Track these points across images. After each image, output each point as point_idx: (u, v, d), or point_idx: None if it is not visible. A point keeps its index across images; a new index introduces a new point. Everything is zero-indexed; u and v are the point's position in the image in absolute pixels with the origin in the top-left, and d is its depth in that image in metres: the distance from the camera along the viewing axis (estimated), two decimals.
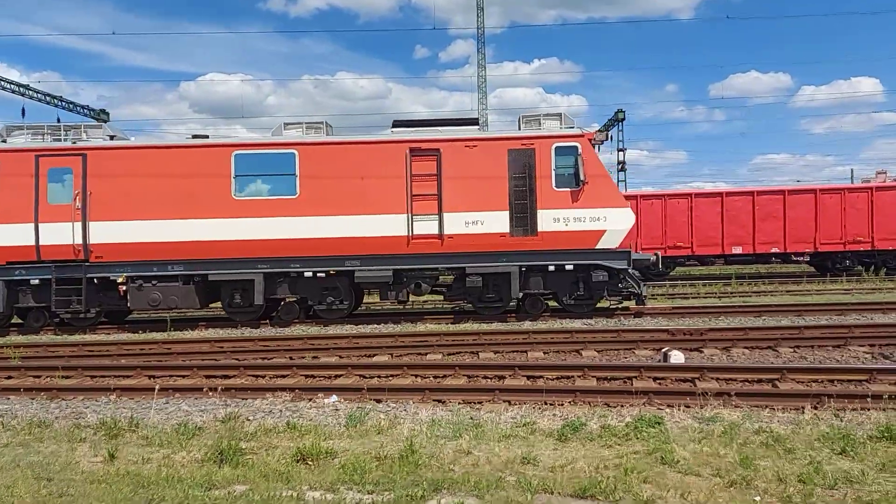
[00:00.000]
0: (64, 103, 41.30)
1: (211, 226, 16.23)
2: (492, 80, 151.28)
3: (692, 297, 22.35)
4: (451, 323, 16.57)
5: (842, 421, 6.91)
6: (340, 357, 12.01)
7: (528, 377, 9.41)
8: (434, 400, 8.26)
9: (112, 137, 16.92)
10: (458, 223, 16.45)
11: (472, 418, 7.37)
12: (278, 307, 17.49)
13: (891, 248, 29.29)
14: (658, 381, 9.25)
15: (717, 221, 29.74)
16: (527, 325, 15.59)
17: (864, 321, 14.19)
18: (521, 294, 16.76)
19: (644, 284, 17.23)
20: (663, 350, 11.08)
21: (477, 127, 17.49)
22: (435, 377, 9.59)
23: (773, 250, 29.97)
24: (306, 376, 10.05)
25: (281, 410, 7.92)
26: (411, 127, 17.35)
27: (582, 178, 16.26)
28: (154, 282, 16.42)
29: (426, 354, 11.95)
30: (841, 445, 6.05)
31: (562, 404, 8.01)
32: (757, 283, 26.95)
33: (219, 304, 17.38)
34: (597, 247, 16.49)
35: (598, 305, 17.44)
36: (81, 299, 16.26)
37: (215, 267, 16.40)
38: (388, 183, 16.45)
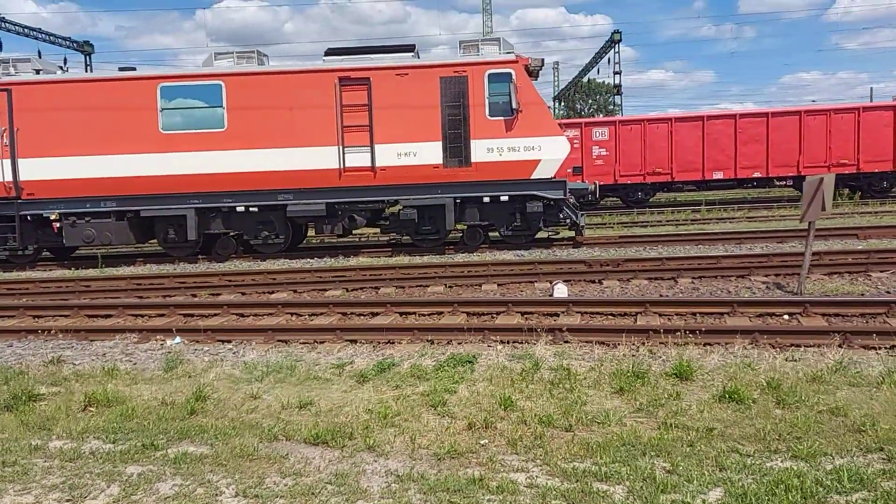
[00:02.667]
0: (44, 35, 40.70)
1: (139, 161, 16.07)
2: (512, 1, 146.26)
3: (651, 226, 21.96)
4: (388, 256, 16.46)
5: (654, 357, 6.73)
6: (243, 294, 12.01)
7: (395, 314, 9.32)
8: (278, 340, 8.21)
9: (38, 72, 16.63)
10: (390, 155, 16.12)
11: (296, 360, 7.32)
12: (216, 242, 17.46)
13: (876, 170, 28.46)
14: (525, 316, 9.11)
15: (698, 146, 29.00)
16: (459, 257, 15.44)
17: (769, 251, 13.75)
18: (455, 226, 16.55)
19: (582, 214, 16.92)
20: (553, 283, 10.90)
21: (411, 54, 16.88)
22: (300, 315, 9.53)
23: (755, 175, 29.26)
24: (185, 315, 10.04)
25: (115, 353, 7.92)
26: (344, 55, 16.82)
27: (515, 106, 15.76)
28: (87, 218, 16.43)
29: (326, 291, 11.91)
30: (622, 384, 5.91)
31: (401, 342, 7.92)
32: (729, 209, 26.41)
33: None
34: (532, 177, 16.12)
35: (539, 236, 17.20)
36: (16, 236, 16.33)
37: (147, 203, 16.34)
38: (318, 114, 16.08)
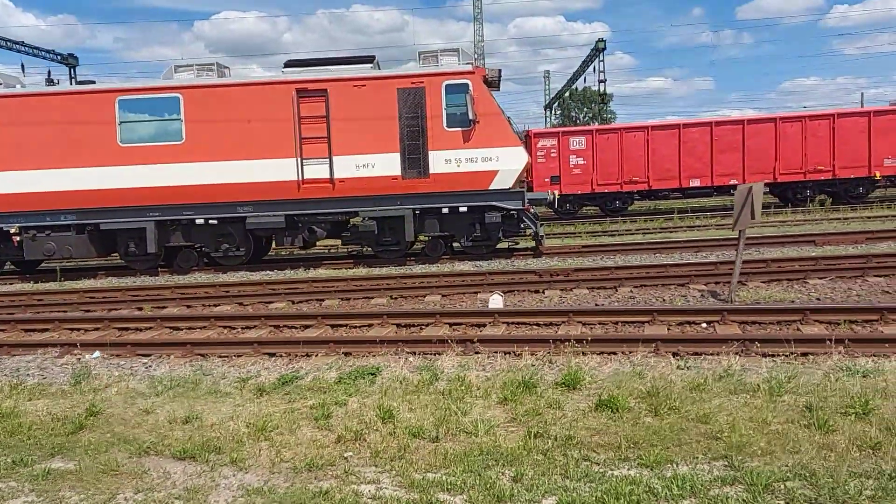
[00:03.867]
0: (27, 48, 40.91)
1: (98, 174, 16.15)
2: (511, 10, 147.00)
3: (619, 235, 22.01)
4: (349, 268, 16.51)
5: (552, 367, 6.77)
6: (188, 307, 12.06)
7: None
8: (197, 354, 8.26)
9: None
10: (348, 166, 16.19)
11: (205, 374, 7.37)
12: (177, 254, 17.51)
13: (852, 176, 28.55)
14: (453, 327, 9.16)
15: (675, 154, 29.15)
16: (418, 269, 15.49)
17: (718, 259, 13.78)
18: (416, 237, 16.62)
19: (541, 224, 16.98)
20: (490, 294, 10.95)
21: (370, 65, 16.98)
22: (232, 329, 9.58)
23: (732, 182, 29.31)
24: (119, 329, 10.08)
25: (31, 368, 7.96)
26: (303, 66, 16.94)
27: (472, 116, 15.83)
28: (47, 232, 16.50)
29: (270, 303, 11.96)
30: (508, 394, 5.95)
31: (317, 355, 7.96)
32: (704, 217, 26.49)
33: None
34: (490, 187, 16.18)
35: (501, 246, 17.26)
36: None
37: (107, 216, 16.40)
38: (276, 126, 16.15)
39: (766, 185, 29.57)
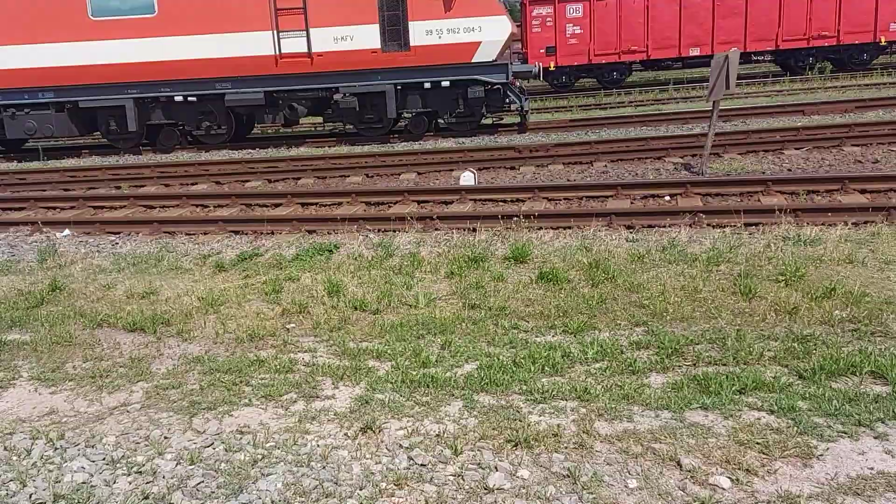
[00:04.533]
0: None
1: (71, 49, 15.76)
2: None
3: (611, 108, 21.62)
4: (331, 146, 16.41)
5: (505, 242, 6.89)
6: (167, 185, 12.13)
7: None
8: (164, 232, 8.40)
9: None
10: (326, 39, 15.70)
11: (169, 251, 7.53)
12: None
13: (857, 41, 27.57)
14: (420, 205, 9.23)
15: (675, 21, 28.03)
16: (399, 146, 15.39)
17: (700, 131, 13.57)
18: (399, 114, 16.37)
19: (526, 98, 16.66)
20: (461, 171, 10.93)
21: None
22: (204, 206, 9.68)
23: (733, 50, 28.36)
24: (94, 207, 10.20)
25: (5, 245, 8.13)
26: None
27: None
28: (26, 110, 16.32)
29: (246, 182, 12.00)
30: (456, 268, 6.10)
31: (280, 233, 8.09)
32: (701, 88, 25.87)
33: None
34: (473, 60, 15.73)
35: (485, 122, 17.03)
36: None
37: (85, 93, 16.15)
38: None
39: (768, 52, 28.74)
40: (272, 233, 8.15)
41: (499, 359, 4.37)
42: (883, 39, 27.42)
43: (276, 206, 9.64)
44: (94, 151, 17.31)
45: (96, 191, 11.88)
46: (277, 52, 15.74)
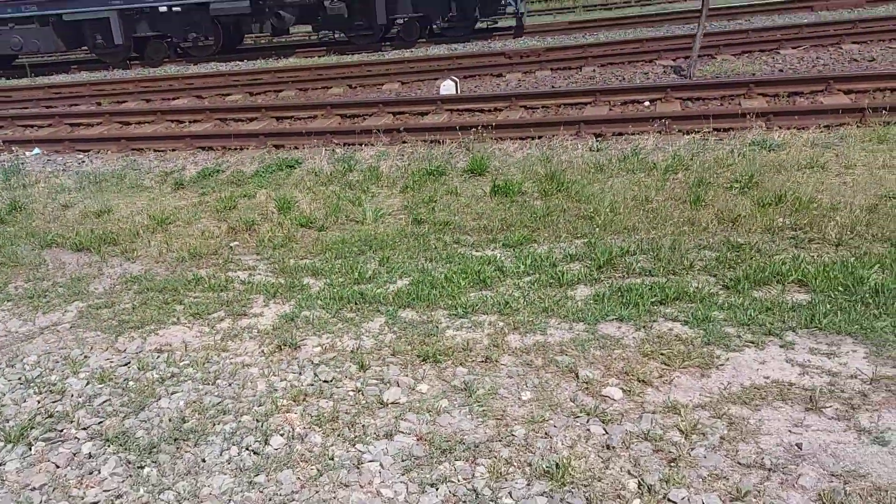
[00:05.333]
0: None
1: None
2: None
3: (617, 8, 20.75)
4: (321, 55, 16.00)
5: (469, 153, 6.73)
6: (148, 101, 11.95)
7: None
8: (132, 150, 8.31)
9: None
10: None
11: (133, 168, 7.47)
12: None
13: None
14: (396, 116, 9.02)
15: None
16: (390, 55, 14.95)
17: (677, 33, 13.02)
18: (390, 18, 15.82)
19: (522, 0, 15.99)
20: (442, 80, 10.61)
21: None
22: (178, 122, 9.54)
23: None
24: (70, 125, 10.11)
25: None
26: None
27: None
28: (11, 24, 16.01)
29: (227, 96, 11.78)
30: (410, 182, 6.00)
31: (247, 148, 7.97)
32: None
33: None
34: None
35: (479, 27, 16.45)
36: None
37: (68, 5, 15.78)
38: None
39: None
40: (239, 148, 8.03)
41: (432, 274, 4.32)
42: None
43: (252, 120, 9.48)
44: (82, 67, 17.04)
45: (77, 108, 11.73)
46: None
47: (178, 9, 15.79)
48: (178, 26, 16.14)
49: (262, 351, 3.64)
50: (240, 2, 15.52)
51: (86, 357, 3.69)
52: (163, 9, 15.75)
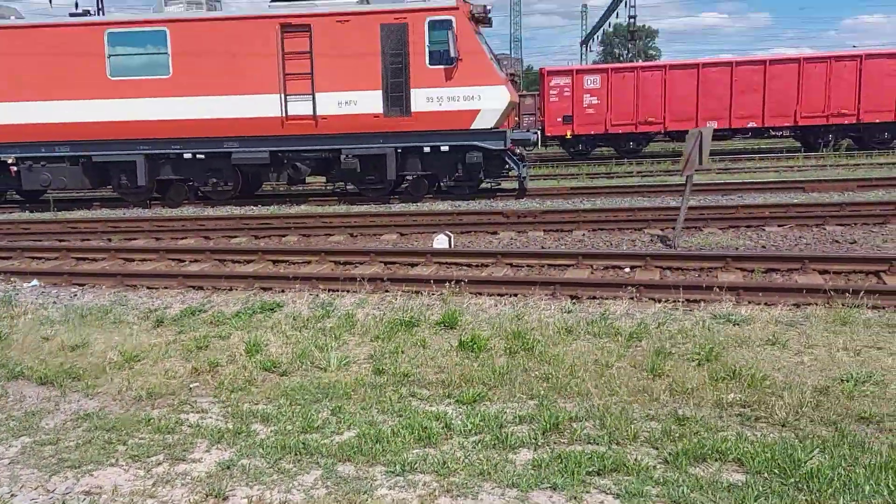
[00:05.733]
0: None
1: (89, 107, 16.45)
2: None
3: (619, 177, 21.67)
4: (332, 205, 16.71)
5: (447, 305, 6.86)
6: (157, 239, 12.42)
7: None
8: (126, 286, 8.56)
9: None
10: (331, 103, 16.18)
11: (121, 304, 7.66)
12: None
13: (877, 120, 27.46)
14: (386, 266, 9.28)
15: (693, 95, 28.31)
16: (396, 207, 15.60)
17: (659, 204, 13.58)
18: (399, 175, 16.66)
19: (525, 165, 16.83)
20: (438, 235, 10.99)
21: (356, 0, 16.74)
22: (179, 262, 9.87)
23: (750, 125, 28.59)
24: (77, 259, 10.48)
25: None
26: (289, 1, 16.77)
27: (455, 54, 15.58)
28: (43, 163, 16.97)
29: (233, 238, 12.23)
30: (382, 332, 6.09)
31: (236, 289, 8.18)
32: (712, 160, 25.81)
33: None
34: (472, 127, 16.02)
35: (484, 187, 17.22)
36: None
37: (98, 148, 16.76)
38: (260, 61, 16.15)
39: (785, 128, 28.71)
40: (229, 289, 8.24)
41: (380, 427, 4.31)
42: None
43: (249, 262, 9.78)
44: (105, 204, 17.83)
45: (88, 243, 12.19)
46: (284, 115, 16.24)
47: (202, 156, 16.74)
48: (200, 172, 17.04)
49: (189, 500, 3.58)
50: (260, 153, 16.48)
51: (12, 496, 3.65)
52: (187, 155, 16.71)
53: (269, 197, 18.20)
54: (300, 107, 16.25)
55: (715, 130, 29.89)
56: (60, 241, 12.62)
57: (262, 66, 16.12)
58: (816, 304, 6.28)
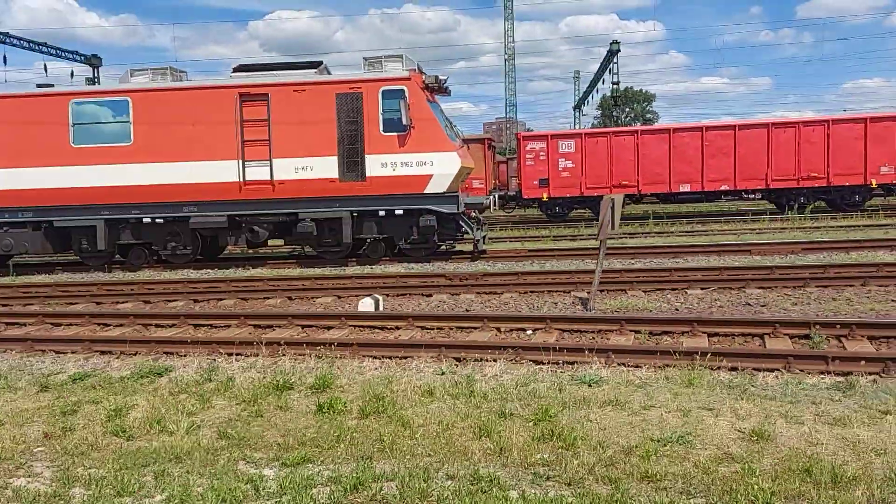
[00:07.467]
0: (49, 49, 42.34)
1: (52, 173, 16.89)
2: (563, 8, 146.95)
3: (581, 240, 21.92)
4: (291, 267, 16.93)
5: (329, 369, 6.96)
6: (98, 303, 12.59)
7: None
8: (36, 350, 8.69)
9: None
10: (288, 169, 16.59)
11: (18, 369, 7.78)
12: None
13: (847, 183, 27.90)
14: (305, 329, 9.42)
15: (665, 159, 28.90)
16: (350, 269, 15.80)
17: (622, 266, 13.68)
18: (354, 238, 16.92)
19: (479, 229, 17.10)
20: (364, 298, 11.15)
21: (315, 71, 17.34)
22: (104, 326, 10.03)
23: (723, 188, 29.05)
24: (8, 324, 10.63)
25: None
26: (249, 71, 17.39)
27: (407, 122, 16.06)
28: (5, 228, 17.31)
29: (172, 301, 12.39)
30: (250, 395, 6.18)
31: (140, 353, 8.30)
32: (678, 222, 26.17)
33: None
34: (425, 191, 16.38)
35: (443, 249, 17.45)
36: None
37: (60, 214, 17.12)
38: (219, 129, 16.64)
39: (757, 191, 29.11)
40: (136, 353, 8.36)
41: (191, 490, 4.38)
42: (874, 182, 27.72)
43: (172, 326, 9.93)
44: (66, 268, 18.07)
45: (31, 307, 12.37)
46: (242, 180, 16.64)
47: (161, 220, 17.07)
48: (160, 236, 17.34)
49: None
50: (218, 217, 16.81)
51: None
52: (147, 220, 17.04)
53: (230, 260, 18.45)
54: (258, 172, 16.66)
55: (687, 193, 30.41)
56: (26, 305, 12.75)
57: (221, 133, 16.62)
58: (678, 367, 6.37)
